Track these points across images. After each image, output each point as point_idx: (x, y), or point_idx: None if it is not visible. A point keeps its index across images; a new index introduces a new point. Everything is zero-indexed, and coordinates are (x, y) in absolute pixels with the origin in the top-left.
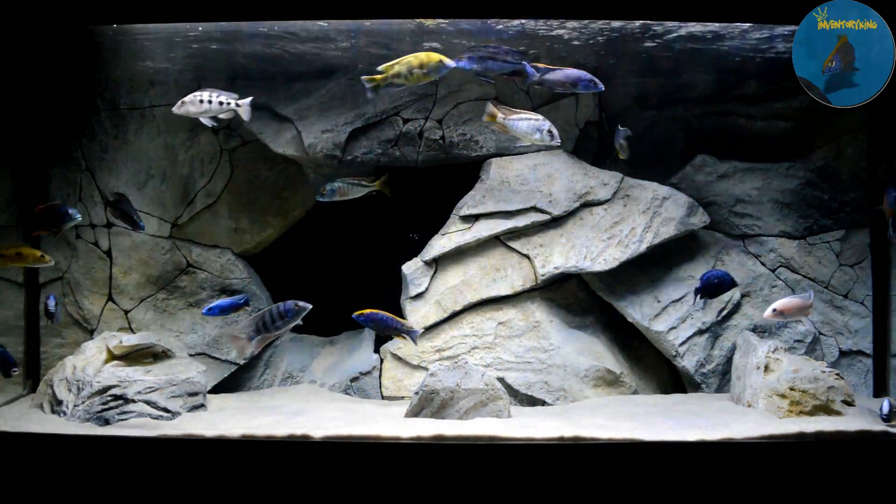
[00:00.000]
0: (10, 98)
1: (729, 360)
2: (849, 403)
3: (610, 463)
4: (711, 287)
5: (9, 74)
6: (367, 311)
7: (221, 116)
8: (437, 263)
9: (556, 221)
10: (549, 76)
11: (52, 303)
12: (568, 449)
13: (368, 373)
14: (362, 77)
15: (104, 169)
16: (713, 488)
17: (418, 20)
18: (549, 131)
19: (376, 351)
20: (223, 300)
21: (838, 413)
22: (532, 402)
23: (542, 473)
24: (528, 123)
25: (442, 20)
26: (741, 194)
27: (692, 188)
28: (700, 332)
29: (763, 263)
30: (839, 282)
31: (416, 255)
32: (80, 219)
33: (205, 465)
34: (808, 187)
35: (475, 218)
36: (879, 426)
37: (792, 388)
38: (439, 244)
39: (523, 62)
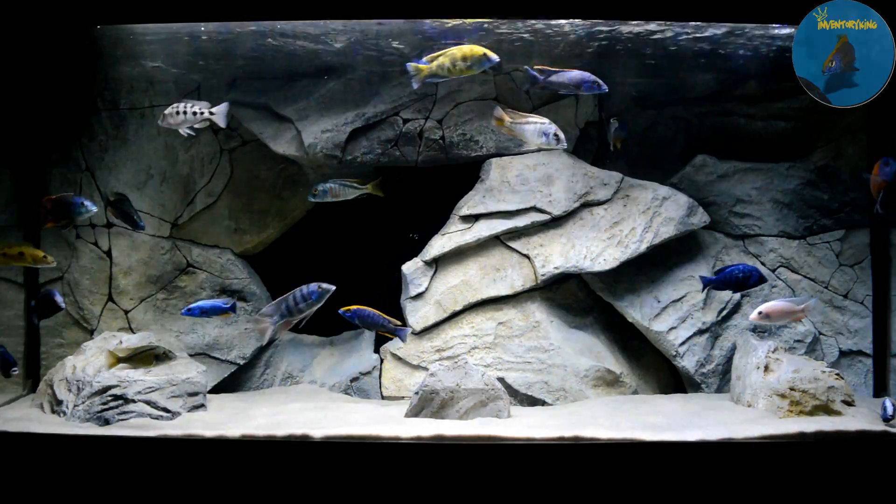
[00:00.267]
0: (10, 98)
1: (729, 360)
2: (849, 403)
3: (610, 463)
4: (733, 281)
5: (9, 74)
6: (355, 307)
7: (197, 126)
8: (437, 263)
9: (556, 221)
10: (553, 78)
11: (59, 299)
12: (568, 449)
13: (368, 373)
14: (408, 64)
15: (104, 169)
16: (713, 488)
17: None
18: (556, 135)
19: (376, 351)
20: (205, 301)
21: (838, 413)
22: (532, 402)
23: (542, 473)
24: (534, 127)
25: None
26: (741, 194)
27: (692, 188)
28: (700, 332)
29: (763, 263)
30: (839, 282)
31: (416, 255)
32: (96, 209)
33: (205, 465)
34: (808, 187)
35: (475, 218)
36: (879, 426)
37: (792, 388)
38: (439, 244)
39: (525, 66)
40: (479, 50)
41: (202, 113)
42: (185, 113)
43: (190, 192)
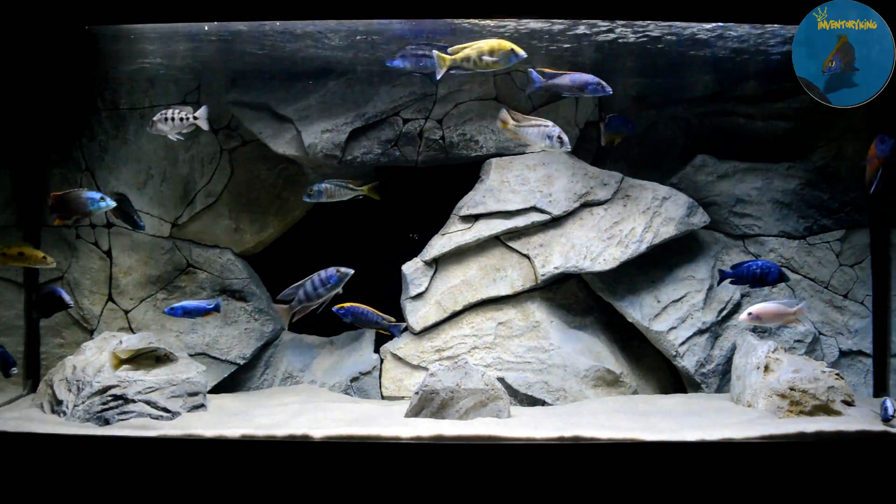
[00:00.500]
0: (10, 98)
1: (729, 360)
2: (849, 403)
3: (610, 463)
4: (750, 277)
5: (9, 74)
6: (348, 304)
7: (184, 131)
8: (437, 263)
9: (556, 221)
10: (557, 80)
11: (66, 297)
12: (568, 449)
13: (368, 373)
14: (434, 52)
15: (104, 169)
16: (713, 488)
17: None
18: (559, 137)
19: (376, 351)
20: (189, 302)
21: (838, 413)
22: (532, 402)
23: (542, 473)
24: (538, 130)
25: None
26: (741, 194)
27: (692, 188)
28: (700, 332)
29: None
30: (839, 282)
31: (416, 255)
32: (115, 204)
33: (205, 465)
34: (808, 187)
35: (475, 218)
36: (879, 426)
37: (792, 388)
38: (439, 244)
39: (530, 69)
40: (507, 45)
41: (188, 118)
42: (172, 119)
43: (190, 192)
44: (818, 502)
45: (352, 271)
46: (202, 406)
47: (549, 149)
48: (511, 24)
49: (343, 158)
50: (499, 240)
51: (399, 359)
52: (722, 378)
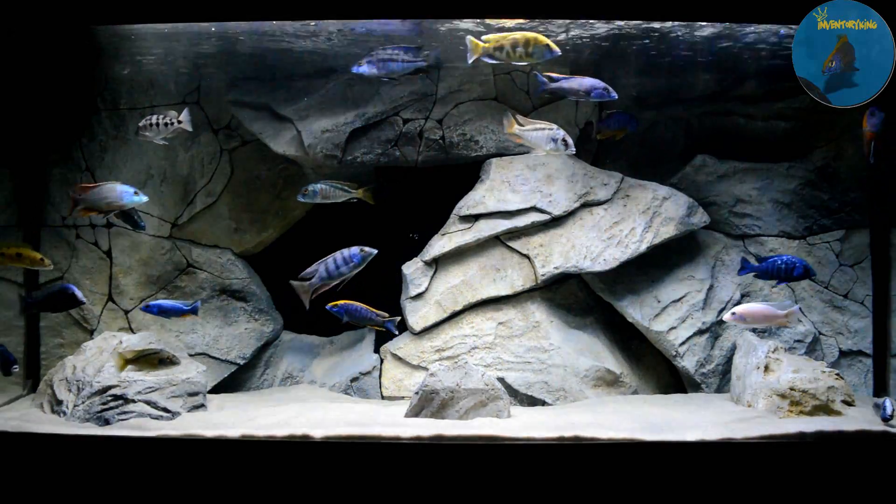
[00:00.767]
0: (10, 98)
1: (729, 360)
2: (849, 403)
3: (610, 463)
4: (774, 272)
5: (9, 74)
6: (342, 301)
7: (169, 135)
8: (437, 263)
9: (556, 221)
10: (563, 84)
11: (79, 293)
12: (568, 449)
13: (368, 373)
14: (467, 37)
15: (104, 169)
16: (713, 488)
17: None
18: (564, 140)
19: (376, 351)
20: (166, 301)
21: (838, 413)
22: (532, 402)
23: (542, 473)
24: (542, 133)
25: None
26: (741, 194)
27: (692, 188)
28: (700, 332)
29: None
30: (839, 282)
31: (416, 255)
32: (146, 199)
33: (205, 465)
34: (808, 187)
35: (475, 218)
36: (879, 426)
37: (792, 388)
38: (439, 244)
39: (535, 72)
40: (542, 39)
41: (172, 123)
42: (157, 125)
43: (190, 192)
44: (818, 502)
45: (375, 251)
46: (202, 406)
47: (553, 152)
48: (509, 23)
49: (343, 158)
50: (499, 240)
51: (399, 359)
52: (722, 378)
